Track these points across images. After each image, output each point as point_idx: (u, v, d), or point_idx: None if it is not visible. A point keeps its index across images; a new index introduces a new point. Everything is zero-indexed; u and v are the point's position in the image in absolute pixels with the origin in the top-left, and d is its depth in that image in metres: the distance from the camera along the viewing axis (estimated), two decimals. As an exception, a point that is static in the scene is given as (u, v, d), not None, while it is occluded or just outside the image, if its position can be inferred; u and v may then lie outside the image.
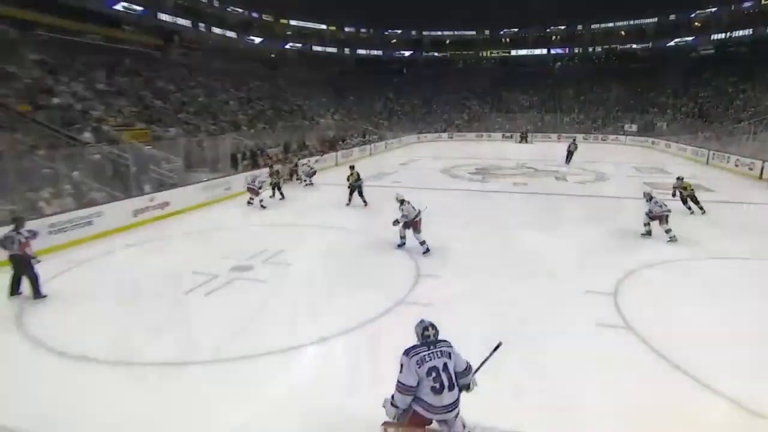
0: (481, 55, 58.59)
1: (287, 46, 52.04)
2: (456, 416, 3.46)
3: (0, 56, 20.09)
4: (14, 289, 7.31)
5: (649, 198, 10.42)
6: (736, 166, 21.17)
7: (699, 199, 12.55)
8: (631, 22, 52.00)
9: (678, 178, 12.81)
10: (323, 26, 53.44)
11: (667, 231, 9.95)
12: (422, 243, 9.34)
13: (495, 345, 3.72)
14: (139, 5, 33.72)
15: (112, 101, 20.89)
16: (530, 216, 13.01)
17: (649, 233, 10.32)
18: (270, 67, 46.40)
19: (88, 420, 4.48)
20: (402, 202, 9.42)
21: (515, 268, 8.69)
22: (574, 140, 25.71)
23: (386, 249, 9.80)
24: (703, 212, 12.43)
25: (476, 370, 3.62)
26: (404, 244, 9.66)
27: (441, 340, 3.57)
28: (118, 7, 32.42)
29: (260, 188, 14.12)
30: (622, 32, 53.55)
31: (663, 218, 10.03)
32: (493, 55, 58.16)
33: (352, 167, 14.80)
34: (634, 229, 10.84)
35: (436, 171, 22.57)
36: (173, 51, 35.74)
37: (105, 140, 16.23)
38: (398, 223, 9.39)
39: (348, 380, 5.15)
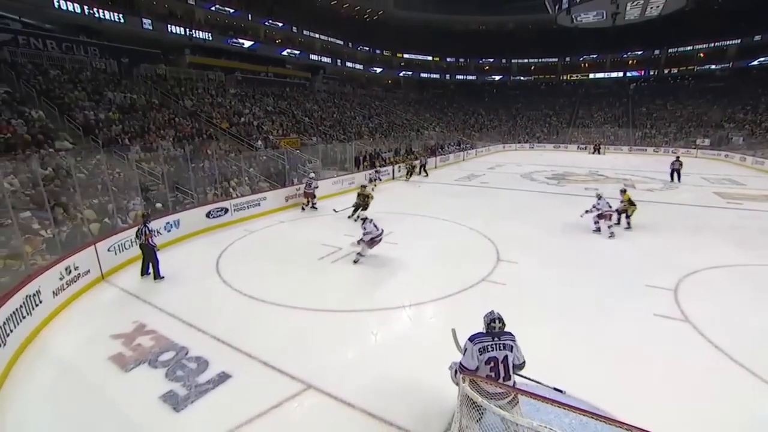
0: (561, 78, 54.01)
1: (401, 74, 52.54)
2: (508, 402, 3.05)
3: (215, 91, 23.20)
4: (144, 270, 7.12)
5: (599, 197, 9.84)
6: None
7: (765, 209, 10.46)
8: (712, 45, 44.03)
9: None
10: (429, 57, 52.96)
11: (609, 227, 9.63)
12: (359, 254, 7.84)
13: (555, 388, 3.42)
14: (297, 50, 36.83)
15: (276, 119, 22.95)
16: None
17: (598, 230, 9.74)
18: (386, 90, 47.34)
19: (255, 335, 5.14)
20: (364, 220, 7.84)
21: (581, 260, 8.05)
22: (678, 158, 19.32)
23: (473, 236, 9.62)
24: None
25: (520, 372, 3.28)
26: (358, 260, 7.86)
27: (506, 333, 3.24)
28: (284, 53, 35.85)
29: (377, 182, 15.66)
30: (701, 54, 45.62)
31: (608, 216, 9.61)
32: (572, 78, 53.27)
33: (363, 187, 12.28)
34: (697, 232, 9.42)
35: (517, 175, 21.42)
36: (319, 81, 38.09)
37: (270, 146, 17.97)
38: (362, 242, 7.62)
39: (434, 336, 5.25)
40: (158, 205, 10.17)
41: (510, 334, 3.25)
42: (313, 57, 38.89)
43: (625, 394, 3.99)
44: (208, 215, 10.26)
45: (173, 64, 26.14)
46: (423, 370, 4.44)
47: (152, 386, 4.27)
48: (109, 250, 7.37)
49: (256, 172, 14.31)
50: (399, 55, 51.52)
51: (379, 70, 48.97)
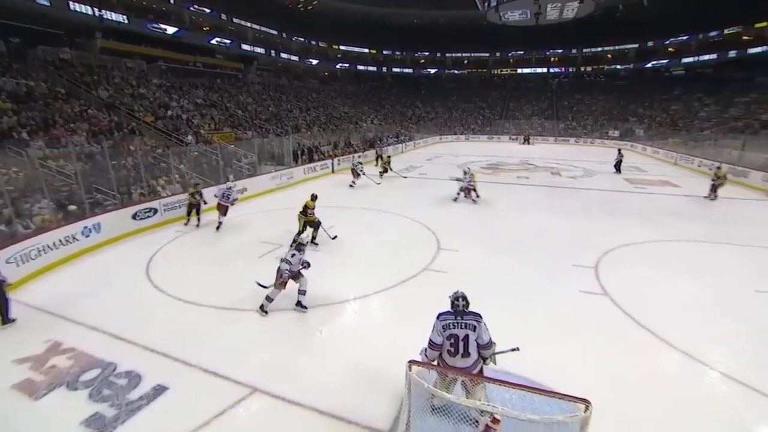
0: (492, 72, 57.05)
1: (337, 66, 51.80)
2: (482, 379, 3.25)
3: (135, 82, 21.05)
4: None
5: (464, 173, 12.59)
6: (699, 166, 19.94)
7: (664, 192, 12.17)
8: (616, 48, 49.68)
9: (717, 167, 13.57)
10: (366, 50, 52.77)
11: (473, 199, 12.34)
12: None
13: (512, 348, 3.55)
14: (227, 39, 34.51)
15: (207, 112, 21.49)
16: (529, 203, 12.72)
17: (456, 200, 12.36)
18: (323, 82, 46.46)
19: (194, 342, 4.81)
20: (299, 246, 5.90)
21: (516, 244, 8.58)
22: (619, 151, 20.89)
23: (414, 226, 9.81)
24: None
25: (494, 353, 3.43)
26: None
27: (470, 312, 3.37)
28: (213, 41, 33.39)
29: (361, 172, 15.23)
30: (609, 55, 51.03)
31: (468, 190, 12.27)
32: (502, 72, 56.53)
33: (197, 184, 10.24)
34: (612, 215, 10.50)
35: (454, 166, 22.17)
36: (252, 72, 36.24)
37: (202, 141, 16.81)
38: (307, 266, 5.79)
39: (387, 325, 5.30)
40: (72, 207, 9.08)
41: (475, 314, 3.36)
42: (246, 47, 36.82)
43: (559, 365, 4.34)
44: (134, 216, 9.36)
45: (81, 48, 23.23)
46: (370, 362, 4.47)
47: (72, 411, 3.80)
48: (9, 261, 6.43)
49: (187, 169, 13.31)
50: (335, 46, 50.74)
51: (315, 61, 47.83)
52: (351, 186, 15.18)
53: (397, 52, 55.51)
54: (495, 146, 34.54)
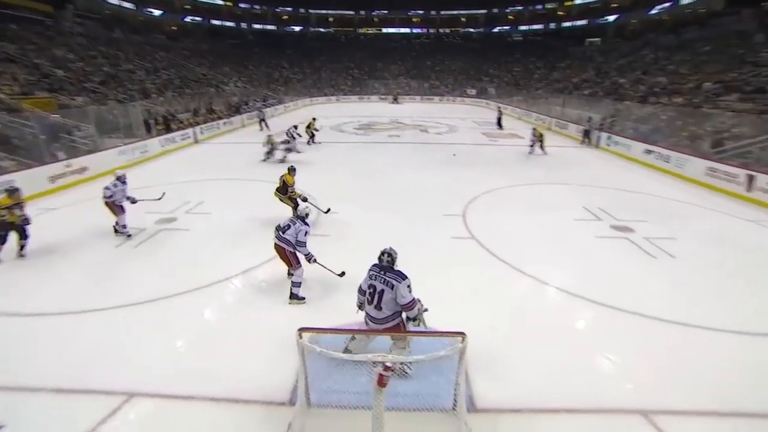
0: (358, 32, 56.72)
1: (187, 20, 44.91)
2: (382, 329, 3.49)
3: None
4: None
5: (292, 137, 13.56)
6: (536, 120, 23.67)
7: (512, 144, 14.07)
8: (469, 12, 54.19)
9: (534, 129, 14.91)
10: (220, 1, 46.73)
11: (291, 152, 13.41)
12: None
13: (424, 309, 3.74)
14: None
15: (2, 69, 16.57)
16: (402, 160, 13.45)
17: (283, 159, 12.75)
18: (173, 39, 39.85)
19: (38, 361, 3.95)
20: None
21: (392, 200, 9.06)
22: (499, 108, 23.65)
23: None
24: (545, 153, 14.30)
25: (421, 316, 3.70)
26: None
27: (395, 271, 3.45)
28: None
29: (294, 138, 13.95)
30: (463, 19, 55.41)
31: (291, 150, 13.35)
32: (368, 32, 56.64)
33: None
34: (473, 166, 11.85)
35: (327, 128, 21.91)
36: (68, 19, 28.83)
37: (3, 109, 13.01)
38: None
39: (265, 301, 5.14)
40: None
41: (399, 274, 3.44)
42: (52, -17, 28.95)
43: (439, 302, 4.85)
44: None
45: None
46: (258, 337, 4.34)
47: None
48: None
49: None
50: (181, -6, 43.78)
51: (157, 12, 40.74)
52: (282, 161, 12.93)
53: (256, 6, 50.67)
54: (365, 106, 35.09)
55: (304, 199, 7.39)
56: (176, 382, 3.73)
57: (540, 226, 7.62)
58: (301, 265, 4.93)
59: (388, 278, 3.41)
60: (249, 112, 24.52)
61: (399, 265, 3.53)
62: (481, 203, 8.89)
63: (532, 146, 14.47)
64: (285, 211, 7.37)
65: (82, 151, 11.93)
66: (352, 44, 54.59)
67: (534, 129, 14.97)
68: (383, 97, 41.41)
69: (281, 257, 5.00)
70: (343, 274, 3.90)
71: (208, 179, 10.97)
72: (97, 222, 7.78)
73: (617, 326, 4.62)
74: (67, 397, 3.58)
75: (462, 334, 2.87)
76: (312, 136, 16.36)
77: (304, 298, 4.96)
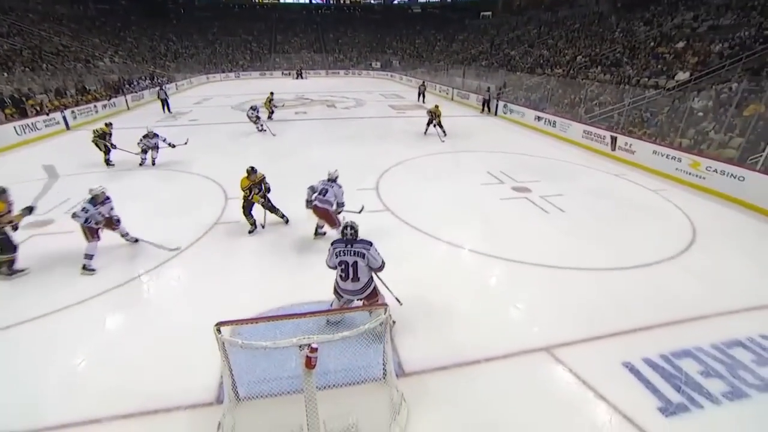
0: (254, 1, 52.42)
1: (30, -24, 36.82)
2: (357, 299, 3.77)
3: None
4: None
5: (257, 118, 13.42)
6: (440, 92, 24.70)
7: (418, 115, 14.49)
8: (369, -19, 53.44)
9: (434, 107, 12.88)
10: (74, -44, 39.04)
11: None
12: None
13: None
14: None
15: None
16: (311, 137, 13.07)
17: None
18: None
19: None
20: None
21: (303, 178, 8.74)
22: (423, 83, 22.53)
23: (196, 181, 8.72)
24: (444, 135, 12.62)
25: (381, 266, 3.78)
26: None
27: (360, 241, 3.66)
28: None
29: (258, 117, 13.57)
30: (363, -12, 54.54)
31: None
32: (265, 2, 52.66)
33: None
34: (383, 139, 12.00)
35: (228, 107, 20.27)
36: None
37: None
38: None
39: (174, 300, 4.72)
40: None
41: (365, 242, 3.67)
42: None
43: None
44: None
45: None
46: (172, 339, 4.00)
47: None
48: None
49: None
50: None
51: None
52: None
53: (127, -36, 43.62)
54: (268, 83, 33.12)
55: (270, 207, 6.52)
56: (78, 406, 3.26)
57: (450, 192, 8.09)
58: (340, 224, 5.31)
59: (357, 249, 3.62)
60: (134, 92, 21.44)
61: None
62: (392, 175, 9.10)
63: (428, 125, 12.86)
64: (168, 204, 6.71)
65: None
66: (248, 15, 50.43)
67: (430, 110, 12.81)
68: (286, 72, 39.41)
69: (322, 217, 5.66)
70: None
71: (91, 172, 9.46)
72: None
73: (523, 277, 5.19)
74: None
75: (385, 305, 2.96)
76: (272, 112, 16.27)
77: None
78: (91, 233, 5.20)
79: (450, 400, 3.33)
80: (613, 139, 10.92)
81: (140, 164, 9.90)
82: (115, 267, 5.34)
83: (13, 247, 5.10)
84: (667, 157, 9.28)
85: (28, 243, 5.99)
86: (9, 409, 3.26)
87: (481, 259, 5.63)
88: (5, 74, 17.10)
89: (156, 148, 9.88)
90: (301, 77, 36.94)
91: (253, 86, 30.15)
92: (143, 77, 26.11)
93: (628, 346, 3.94)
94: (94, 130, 9.88)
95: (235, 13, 50.38)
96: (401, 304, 4.20)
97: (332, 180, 5.70)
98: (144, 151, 9.87)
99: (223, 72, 38.01)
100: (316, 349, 2.41)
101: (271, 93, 16.95)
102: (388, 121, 16.22)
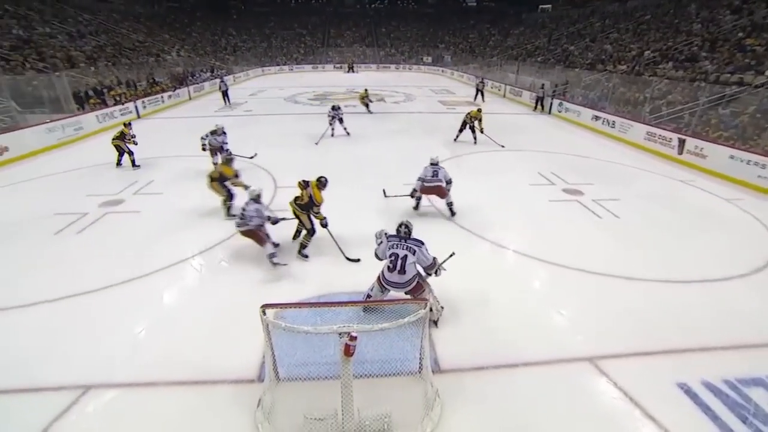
0: (309, -5, 53.85)
1: (113, -23, 40.22)
2: (401, 291, 3.93)
3: None
4: None
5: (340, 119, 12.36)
6: (491, 88, 23.95)
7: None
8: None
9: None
10: (151, -42, 42.16)
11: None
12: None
13: (450, 254, 4.17)
14: None
15: None
16: (359, 131, 13.22)
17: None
18: (98, 0, 35.64)
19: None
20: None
21: (352, 172, 8.95)
22: (482, 80, 20.37)
23: (247, 167, 9.14)
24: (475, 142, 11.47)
25: (441, 264, 4.00)
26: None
27: (412, 238, 3.89)
28: None
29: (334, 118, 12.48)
30: (416, -17, 54.01)
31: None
32: (319, -5, 53.90)
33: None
34: (431, 135, 11.89)
35: (281, 99, 21.03)
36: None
37: None
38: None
39: (225, 280, 5.02)
40: None
41: (417, 240, 3.90)
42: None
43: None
44: None
45: None
46: (221, 319, 4.25)
47: None
48: None
49: None
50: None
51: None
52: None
53: (194, -37, 46.28)
54: (320, 76, 33.94)
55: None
56: (137, 370, 3.61)
57: (497, 191, 7.89)
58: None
59: (409, 245, 3.84)
60: (196, 83, 22.87)
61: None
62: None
63: (464, 130, 11.44)
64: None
65: (-1, 128, 10.69)
66: (303, 9, 51.81)
67: (468, 113, 11.48)
68: (338, 66, 40.07)
69: (434, 193, 6.68)
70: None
71: (156, 157, 10.24)
72: (27, 208, 7.13)
73: (569, 283, 4.97)
74: (13, 397, 3.36)
75: (425, 300, 2.97)
76: (367, 105, 16.51)
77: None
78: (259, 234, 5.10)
79: (485, 400, 3.29)
80: (681, 142, 10.07)
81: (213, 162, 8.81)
82: (171, 247, 5.77)
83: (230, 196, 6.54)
84: (747, 162, 8.39)
85: (102, 220, 6.63)
86: (88, 362, 3.68)
87: (525, 261, 5.46)
88: (92, 68, 18.85)
89: (221, 149, 8.78)
90: (353, 71, 37.39)
91: (306, 79, 31.03)
92: (204, 69, 27.75)
93: (685, 365, 3.66)
94: (115, 135, 9.22)
95: (291, 8, 51.95)
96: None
97: (435, 164, 6.68)
98: (212, 152, 8.84)
99: (278, 65, 39.38)
100: (355, 338, 2.48)
101: (366, 90, 16.85)
102: (437, 116, 16.05)
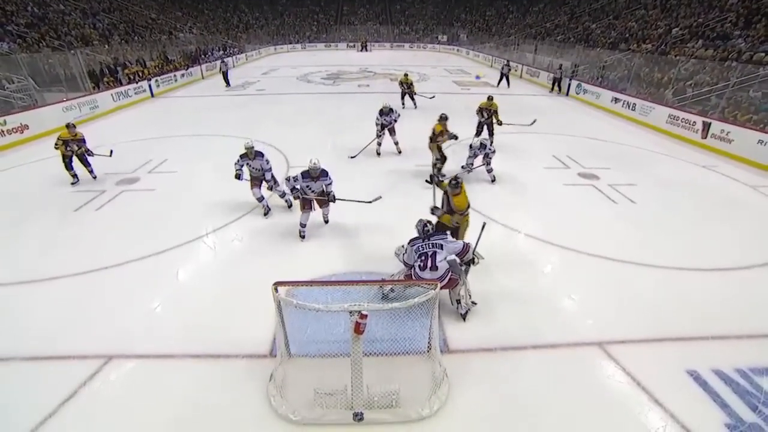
0: (322, -30, 52.38)
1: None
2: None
3: None
4: None
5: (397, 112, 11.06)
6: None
7: (484, 92, 13.77)
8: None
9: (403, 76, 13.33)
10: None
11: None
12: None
13: (482, 226, 4.06)
14: None
15: None
16: (372, 111, 13.01)
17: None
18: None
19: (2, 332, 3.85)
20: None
21: (363, 153, 8.89)
22: (507, 62, 19.40)
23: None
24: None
25: (474, 248, 3.89)
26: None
27: (437, 233, 3.87)
28: None
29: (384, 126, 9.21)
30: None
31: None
32: (331, -30, 52.42)
33: None
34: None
35: (293, 78, 20.86)
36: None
37: None
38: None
39: (239, 257, 5.12)
40: None
41: (442, 234, 3.91)
42: None
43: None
44: None
45: None
46: (236, 296, 4.36)
47: None
48: None
49: None
50: None
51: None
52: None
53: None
54: (333, 54, 33.45)
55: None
56: (155, 342, 3.75)
57: (510, 174, 7.78)
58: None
59: (434, 242, 3.78)
60: (208, 62, 22.82)
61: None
62: (453, 152, 8.89)
63: (481, 129, 9.90)
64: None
65: (17, 107, 10.87)
66: (316, -15, 50.67)
67: (481, 111, 9.80)
68: (351, 44, 39.40)
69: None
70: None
71: (170, 136, 10.35)
72: (47, 185, 7.32)
73: (580, 268, 4.93)
74: (42, 364, 3.55)
75: (436, 282, 2.99)
76: (411, 97, 14.16)
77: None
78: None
79: (492, 381, 3.34)
80: (706, 126, 9.72)
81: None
82: (186, 225, 5.89)
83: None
84: (776, 147, 8.10)
85: (119, 198, 6.78)
86: (109, 334, 3.84)
87: (537, 245, 5.43)
88: (106, 46, 18.89)
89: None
90: (366, 50, 36.76)
91: (318, 58, 30.66)
92: (217, 48, 27.60)
93: (696, 353, 3.64)
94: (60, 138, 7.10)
95: (304, -16, 50.88)
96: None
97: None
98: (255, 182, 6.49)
99: (290, 43, 38.94)
100: (365, 316, 2.53)
101: (405, 74, 14.28)
102: (453, 97, 15.75)
